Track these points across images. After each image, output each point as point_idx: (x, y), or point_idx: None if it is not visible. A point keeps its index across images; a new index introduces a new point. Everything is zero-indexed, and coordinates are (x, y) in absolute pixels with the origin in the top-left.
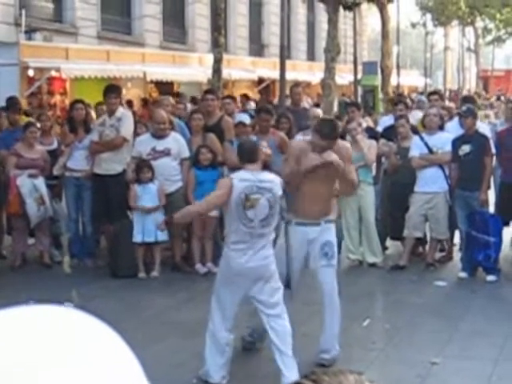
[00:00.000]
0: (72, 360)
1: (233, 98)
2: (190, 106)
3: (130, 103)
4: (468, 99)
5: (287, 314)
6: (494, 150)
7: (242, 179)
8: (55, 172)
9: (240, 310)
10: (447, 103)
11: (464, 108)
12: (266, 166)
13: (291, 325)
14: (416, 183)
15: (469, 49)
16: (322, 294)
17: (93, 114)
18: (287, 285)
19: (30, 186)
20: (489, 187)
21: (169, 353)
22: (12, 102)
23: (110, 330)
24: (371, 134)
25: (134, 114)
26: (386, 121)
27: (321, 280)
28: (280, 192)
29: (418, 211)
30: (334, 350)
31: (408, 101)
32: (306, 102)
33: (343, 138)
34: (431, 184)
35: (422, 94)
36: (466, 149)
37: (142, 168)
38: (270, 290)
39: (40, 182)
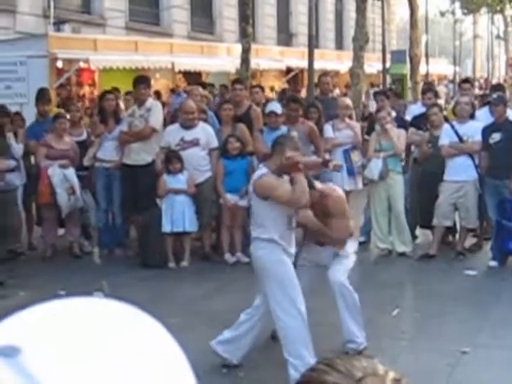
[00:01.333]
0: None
1: (261, 88)
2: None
3: (157, 94)
4: (498, 87)
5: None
6: None
7: None
8: (85, 163)
9: None
10: (477, 91)
11: (495, 96)
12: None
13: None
14: (446, 172)
15: (498, 36)
16: (331, 288)
17: (121, 104)
18: None
19: (60, 177)
20: None
21: (198, 342)
22: (42, 93)
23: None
24: (400, 123)
25: (162, 104)
26: (415, 109)
27: (328, 275)
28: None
29: (447, 200)
30: (356, 339)
31: (442, 88)
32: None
33: (372, 127)
34: (461, 172)
35: (452, 82)
36: (496, 137)
37: (171, 159)
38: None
39: (70, 173)
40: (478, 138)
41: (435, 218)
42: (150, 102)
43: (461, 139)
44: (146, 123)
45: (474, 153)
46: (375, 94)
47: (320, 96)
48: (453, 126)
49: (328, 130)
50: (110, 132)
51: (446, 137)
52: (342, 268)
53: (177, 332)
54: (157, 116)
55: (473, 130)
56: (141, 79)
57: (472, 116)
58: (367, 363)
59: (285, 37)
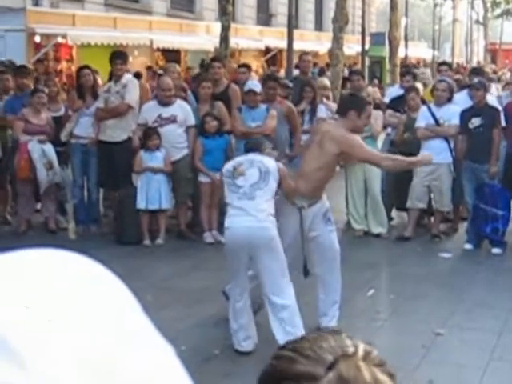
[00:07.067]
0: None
1: (248, 68)
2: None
3: (137, 75)
4: (477, 71)
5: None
6: (503, 123)
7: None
8: (63, 138)
9: None
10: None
11: (476, 80)
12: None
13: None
14: (421, 154)
15: (477, 21)
16: (326, 259)
17: (99, 80)
18: (305, 273)
19: (39, 152)
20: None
21: (172, 320)
22: (20, 66)
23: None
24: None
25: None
26: (393, 91)
27: (325, 245)
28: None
29: (421, 182)
30: (333, 314)
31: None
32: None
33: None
34: (435, 155)
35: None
36: (476, 122)
37: (151, 135)
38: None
39: (49, 148)
40: (455, 121)
41: (409, 201)
42: (127, 78)
43: (437, 122)
44: (122, 100)
45: (450, 136)
46: (350, 73)
47: (300, 76)
48: (430, 109)
49: (321, 109)
50: (87, 108)
51: (422, 119)
52: (335, 235)
53: (150, 309)
54: (133, 92)
55: (450, 113)
56: (118, 55)
57: (450, 99)
58: (335, 342)
59: (264, 16)
